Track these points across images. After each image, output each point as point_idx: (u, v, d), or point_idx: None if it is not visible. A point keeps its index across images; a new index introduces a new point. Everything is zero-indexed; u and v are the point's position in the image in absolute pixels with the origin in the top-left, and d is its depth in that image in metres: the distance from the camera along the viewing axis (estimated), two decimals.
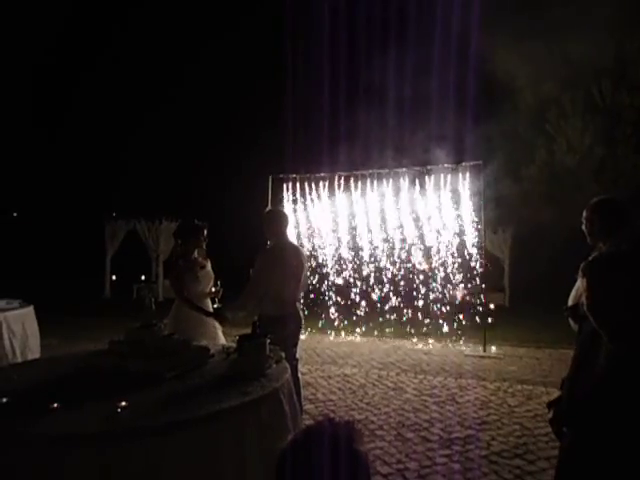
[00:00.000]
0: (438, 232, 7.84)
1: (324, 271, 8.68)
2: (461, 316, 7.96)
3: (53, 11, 16.20)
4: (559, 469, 1.59)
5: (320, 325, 8.48)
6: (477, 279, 7.71)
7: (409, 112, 11.34)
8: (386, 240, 8.30)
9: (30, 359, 4.10)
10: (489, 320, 7.45)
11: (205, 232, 3.93)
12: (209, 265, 3.97)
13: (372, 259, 8.47)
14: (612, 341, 1.49)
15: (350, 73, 12.90)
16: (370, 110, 11.77)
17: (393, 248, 8.29)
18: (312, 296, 8.48)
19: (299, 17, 12.22)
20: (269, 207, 7.63)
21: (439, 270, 8.01)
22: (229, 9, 16.70)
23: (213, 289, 3.90)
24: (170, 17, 17.14)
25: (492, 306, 8.21)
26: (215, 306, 3.82)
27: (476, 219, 7.55)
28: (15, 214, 20.45)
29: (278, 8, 13.52)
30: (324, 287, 8.70)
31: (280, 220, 4.03)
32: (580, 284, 2.81)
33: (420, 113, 11.31)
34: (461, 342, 7.51)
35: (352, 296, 8.70)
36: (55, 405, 1.93)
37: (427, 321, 8.15)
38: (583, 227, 2.88)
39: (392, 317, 8.44)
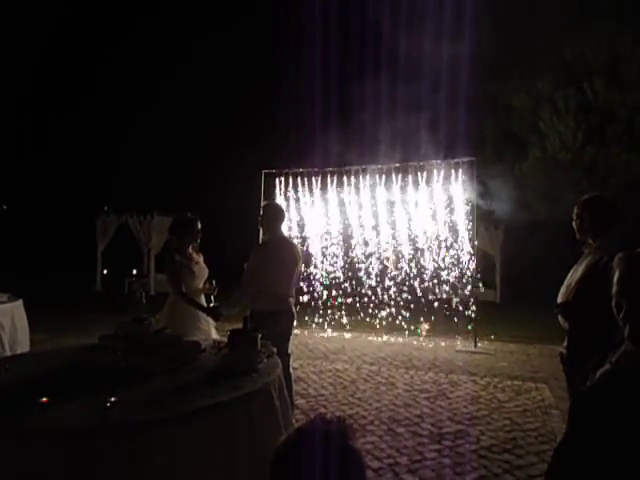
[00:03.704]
0: (437, 235, 7.84)
1: (315, 266, 8.67)
2: (449, 311, 8.00)
3: (49, 9, 16.05)
4: (552, 463, 1.58)
5: (311, 321, 8.48)
6: (468, 275, 7.74)
7: (402, 108, 11.34)
8: (377, 235, 8.31)
9: (19, 353, 4.07)
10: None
11: (199, 226, 3.89)
12: (202, 260, 3.95)
13: (363, 254, 8.48)
14: (634, 340, 1.47)
15: (343, 69, 12.87)
16: (363, 105, 11.76)
17: (382, 243, 8.30)
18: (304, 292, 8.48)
19: (292, 15, 12.17)
20: (264, 201, 7.61)
21: (430, 265, 8.02)
22: (224, 8, 16.66)
23: (207, 285, 3.87)
24: (166, 15, 17.01)
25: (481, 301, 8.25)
26: (211, 305, 3.79)
27: (468, 215, 7.57)
28: (5, 207, 20.23)
29: (272, 7, 13.50)
30: (315, 283, 8.70)
31: (276, 214, 4.01)
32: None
33: (413, 109, 11.31)
34: (454, 338, 7.55)
35: (343, 291, 8.71)
36: (44, 400, 1.91)
37: (418, 317, 8.18)
38: (573, 223, 2.90)
39: (383, 313, 8.45)
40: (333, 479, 0.94)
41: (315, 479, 0.93)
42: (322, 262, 8.65)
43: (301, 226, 8.68)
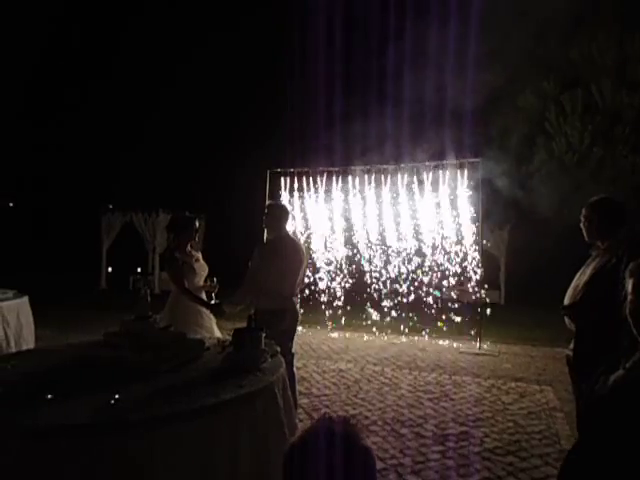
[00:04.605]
0: (439, 232, 7.82)
1: (318, 266, 8.67)
2: (457, 315, 7.98)
3: (56, 8, 16.15)
4: (564, 470, 1.55)
5: (315, 320, 8.47)
6: (474, 276, 7.71)
7: (408, 108, 11.33)
8: (382, 236, 8.30)
9: (24, 349, 4.08)
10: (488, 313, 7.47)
11: (197, 224, 3.92)
12: (201, 257, 3.97)
13: (369, 254, 8.47)
14: None
15: (348, 69, 12.87)
16: (368, 106, 11.75)
17: (388, 245, 8.29)
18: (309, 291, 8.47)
19: (297, 15, 12.18)
20: (268, 201, 7.61)
21: (436, 267, 8.00)
22: (229, 9, 16.73)
23: (208, 283, 3.89)
24: (174, 15, 17.08)
25: (488, 302, 8.23)
26: (212, 302, 3.82)
27: (474, 216, 7.54)
28: (10, 204, 20.33)
29: (277, 8, 13.53)
30: (319, 282, 8.70)
31: (280, 214, 4.01)
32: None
33: (419, 110, 11.30)
34: (457, 340, 7.53)
35: (346, 291, 8.71)
36: (49, 396, 1.91)
37: (422, 317, 8.16)
38: (581, 225, 2.88)
39: (388, 313, 8.43)
40: (347, 477, 0.94)
41: (329, 478, 0.93)
42: (326, 264, 8.66)
43: (306, 225, 8.68)
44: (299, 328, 7.12)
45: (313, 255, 8.58)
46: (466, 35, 9.95)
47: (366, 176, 8.22)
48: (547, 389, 5.26)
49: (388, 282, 8.39)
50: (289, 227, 4.82)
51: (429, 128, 10.77)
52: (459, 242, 7.67)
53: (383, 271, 8.39)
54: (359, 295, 8.67)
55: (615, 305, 1.61)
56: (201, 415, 1.87)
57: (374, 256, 8.41)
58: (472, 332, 7.42)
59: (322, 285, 8.72)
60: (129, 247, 12.78)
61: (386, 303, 8.46)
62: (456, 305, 8.17)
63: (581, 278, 2.74)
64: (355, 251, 8.55)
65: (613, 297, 1.65)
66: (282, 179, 8.69)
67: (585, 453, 1.40)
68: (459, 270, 7.80)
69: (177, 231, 3.86)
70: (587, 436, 1.46)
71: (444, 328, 7.86)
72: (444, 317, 8.11)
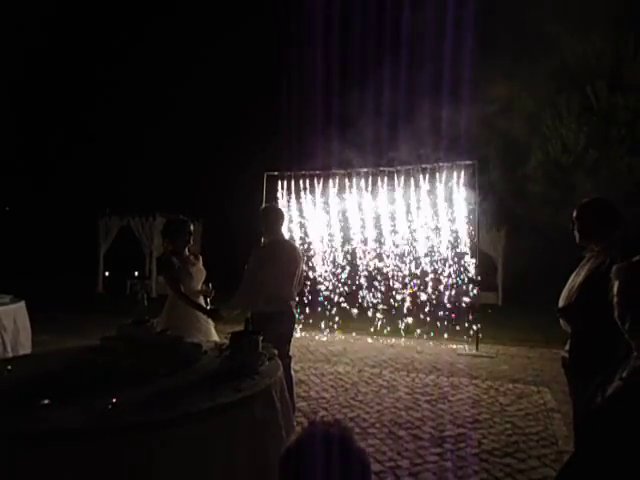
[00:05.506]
0: (435, 234, 7.83)
1: (316, 268, 8.67)
2: (453, 315, 7.98)
3: (56, 14, 16.18)
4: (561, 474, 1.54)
5: (313, 323, 8.47)
6: (470, 278, 7.72)
7: (404, 111, 11.37)
8: (379, 239, 8.31)
9: (21, 354, 4.07)
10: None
11: (191, 227, 3.90)
12: (200, 262, 3.96)
13: (366, 257, 8.47)
14: None
15: (345, 72, 12.91)
16: (365, 108, 11.79)
17: (383, 246, 8.30)
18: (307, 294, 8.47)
19: (294, 21, 12.24)
20: (264, 204, 7.62)
21: (433, 269, 8.01)
22: (227, 15, 16.82)
23: (204, 288, 3.88)
24: (173, 22, 17.13)
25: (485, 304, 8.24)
26: (209, 308, 3.81)
27: (470, 218, 7.56)
28: (7, 208, 20.27)
29: (274, 14, 13.59)
30: (317, 285, 8.70)
31: (275, 217, 4.02)
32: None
33: (415, 112, 11.34)
34: (454, 342, 7.54)
35: (344, 294, 8.71)
36: (46, 401, 1.91)
37: (420, 319, 8.17)
38: (573, 227, 2.88)
39: (384, 315, 8.44)
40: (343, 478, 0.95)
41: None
42: (323, 264, 8.66)
43: (303, 228, 8.69)
44: (298, 331, 7.16)
45: (311, 260, 8.59)
46: (462, 37, 10.01)
47: (363, 179, 8.24)
48: (544, 390, 5.27)
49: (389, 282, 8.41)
50: (285, 230, 4.84)
51: (425, 130, 10.81)
52: (455, 244, 7.68)
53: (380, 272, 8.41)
54: (356, 297, 8.67)
55: (610, 306, 1.62)
56: (198, 419, 1.87)
57: (370, 259, 8.42)
58: (470, 334, 7.42)
59: (319, 288, 8.72)
60: (126, 251, 12.76)
61: (382, 306, 8.46)
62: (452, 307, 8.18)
63: (575, 279, 2.74)
64: (352, 254, 8.56)
65: (607, 298, 1.66)
66: (279, 182, 8.71)
67: (582, 463, 1.40)
68: (455, 272, 7.81)
69: (171, 235, 3.85)
70: (584, 447, 1.45)
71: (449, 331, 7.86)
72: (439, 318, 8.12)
